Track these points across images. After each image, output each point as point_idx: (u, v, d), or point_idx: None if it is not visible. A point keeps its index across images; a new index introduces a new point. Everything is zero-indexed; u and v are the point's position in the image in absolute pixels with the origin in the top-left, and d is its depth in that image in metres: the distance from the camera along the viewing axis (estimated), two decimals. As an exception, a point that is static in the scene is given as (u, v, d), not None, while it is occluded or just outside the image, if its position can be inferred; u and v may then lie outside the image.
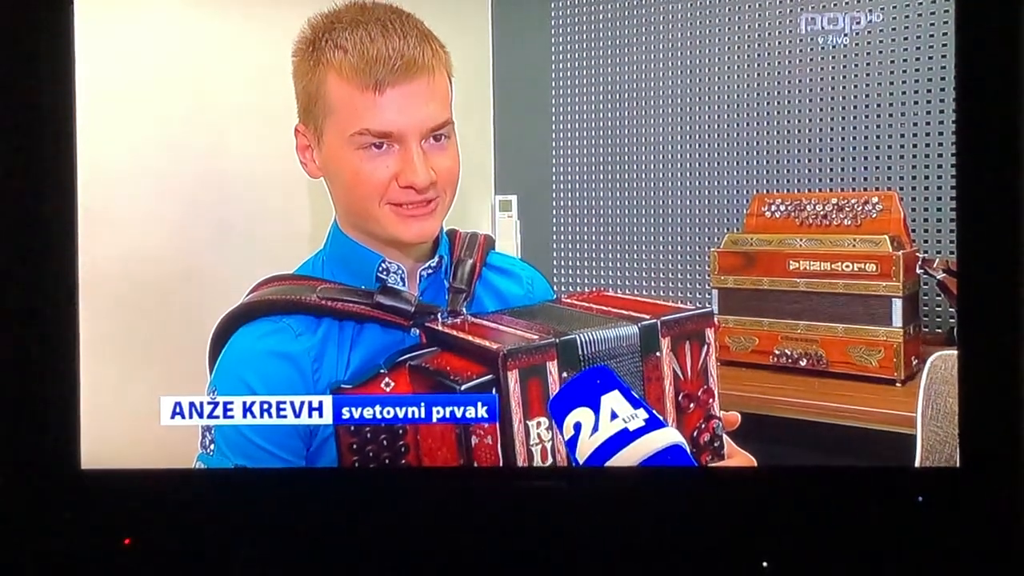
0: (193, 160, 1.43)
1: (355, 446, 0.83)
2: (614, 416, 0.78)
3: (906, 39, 1.65)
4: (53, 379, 1.08)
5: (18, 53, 1.09)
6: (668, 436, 0.77)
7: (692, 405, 0.89)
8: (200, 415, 0.93)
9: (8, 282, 1.09)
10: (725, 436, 0.93)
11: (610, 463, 0.77)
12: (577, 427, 0.78)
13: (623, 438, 0.77)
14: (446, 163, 0.90)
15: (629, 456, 0.76)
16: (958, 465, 1.09)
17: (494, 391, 0.78)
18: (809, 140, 1.76)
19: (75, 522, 1.08)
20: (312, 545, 1.08)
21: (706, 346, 0.89)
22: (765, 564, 1.05)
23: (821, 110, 1.74)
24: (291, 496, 1.05)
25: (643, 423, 0.77)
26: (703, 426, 0.90)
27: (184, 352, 0.98)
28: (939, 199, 1.65)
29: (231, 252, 1.44)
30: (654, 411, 0.80)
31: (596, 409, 0.78)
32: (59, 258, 1.08)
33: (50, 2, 1.09)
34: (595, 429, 0.77)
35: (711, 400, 0.90)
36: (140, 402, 1.30)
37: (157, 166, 1.40)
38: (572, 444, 0.78)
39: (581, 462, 0.78)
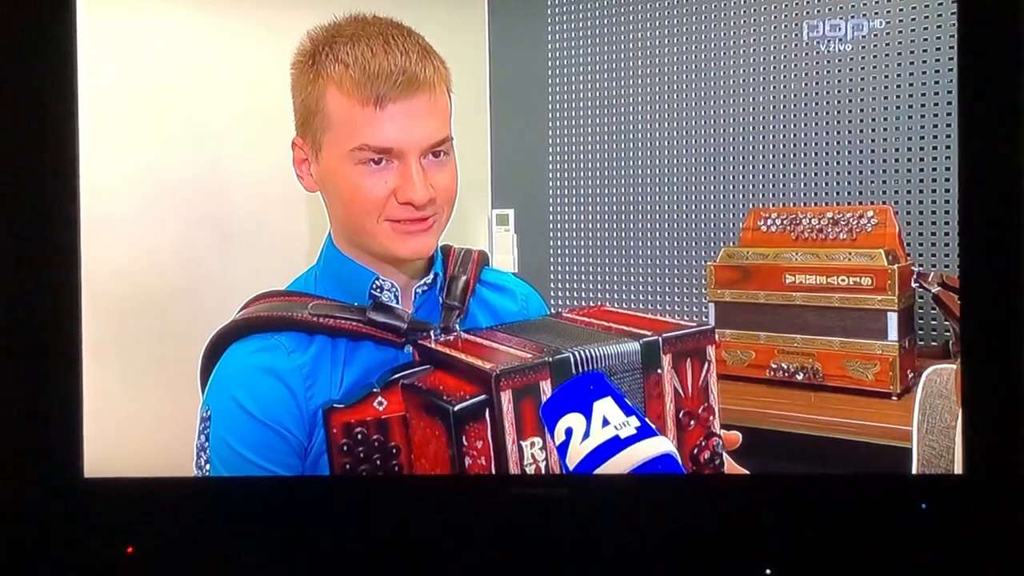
0: (196, 169, 1.43)
1: (348, 466, 0.83)
2: (606, 423, 0.77)
3: (899, 54, 1.65)
4: (56, 388, 1.07)
5: (20, 61, 1.09)
6: (659, 445, 0.76)
7: (693, 423, 0.87)
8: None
9: (10, 290, 1.09)
10: (725, 454, 0.91)
11: (600, 470, 0.75)
12: (568, 432, 0.77)
13: (614, 445, 0.76)
14: (444, 180, 0.89)
15: (619, 464, 0.75)
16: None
17: (487, 411, 0.78)
18: (805, 154, 1.76)
19: (78, 530, 1.08)
20: (314, 553, 1.08)
21: (707, 363, 0.88)
22: (768, 571, 1.05)
23: (816, 124, 1.74)
24: (293, 504, 1.05)
25: (635, 431, 0.76)
26: (703, 444, 0.88)
27: (186, 361, 0.96)
28: (934, 213, 1.65)
29: (234, 261, 1.44)
30: (647, 419, 0.79)
31: (588, 415, 0.77)
32: (62, 266, 1.07)
33: (52, 14, 1.09)
34: (586, 435, 0.76)
35: (711, 418, 0.89)
36: (143, 410, 1.31)
37: (160, 175, 1.40)
38: (563, 449, 0.77)
39: (571, 468, 0.77)
